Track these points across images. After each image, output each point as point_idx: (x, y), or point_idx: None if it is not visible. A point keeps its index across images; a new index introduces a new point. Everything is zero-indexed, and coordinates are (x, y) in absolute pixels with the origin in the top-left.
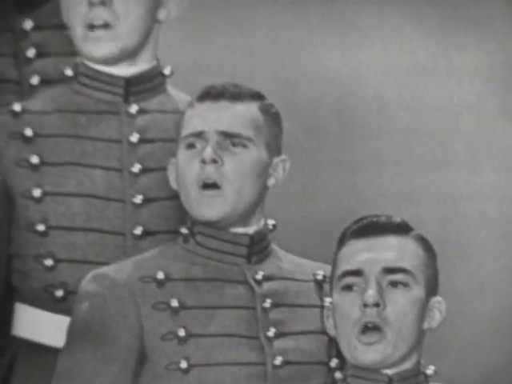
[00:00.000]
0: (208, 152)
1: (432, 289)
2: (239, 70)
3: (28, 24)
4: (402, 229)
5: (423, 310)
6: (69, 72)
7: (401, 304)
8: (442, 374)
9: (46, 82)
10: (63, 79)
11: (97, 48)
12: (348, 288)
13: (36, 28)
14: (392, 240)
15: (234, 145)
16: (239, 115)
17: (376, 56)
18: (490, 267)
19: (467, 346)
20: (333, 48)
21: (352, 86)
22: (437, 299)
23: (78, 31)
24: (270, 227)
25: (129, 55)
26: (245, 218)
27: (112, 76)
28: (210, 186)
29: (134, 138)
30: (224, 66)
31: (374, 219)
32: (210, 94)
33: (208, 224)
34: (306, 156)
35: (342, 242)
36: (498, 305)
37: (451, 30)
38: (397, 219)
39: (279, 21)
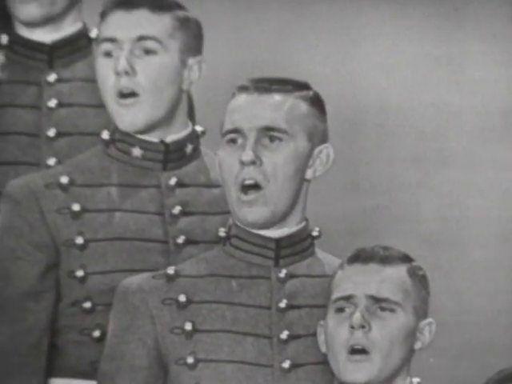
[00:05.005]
0: (357, 318)
1: None
2: (239, 69)
3: (173, 181)
4: None
5: None
6: (222, 233)
7: None
8: (443, 372)
9: (191, 242)
10: (208, 239)
11: (249, 213)
12: None
13: (181, 185)
14: None
15: (382, 309)
16: (388, 279)
17: (376, 56)
18: (489, 266)
19: (467, 345)
20: (333, 47)
21: (352, 85)
22: None
23: (232, 193)
24: None
25: (280, 219)
26: (390, 379)
27: (263, 238)
28: (358, 351)
29: (283, 304)
30: (224, 64)
31: None
32: (360, 257)
33: None
34: None
35: None
36: (497, 303)
37: (451, 29)
38: None
39: (279, 20)
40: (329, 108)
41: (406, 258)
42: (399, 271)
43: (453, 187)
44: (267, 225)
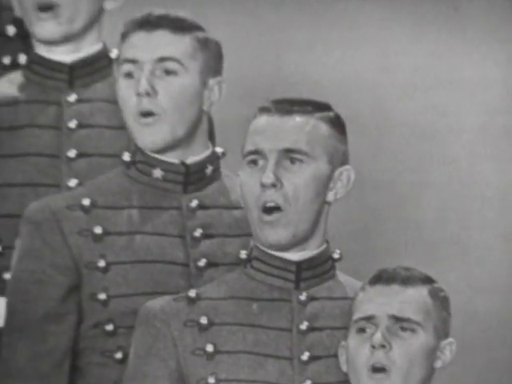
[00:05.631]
0: (377, 338)
1: None
2: (240, 69)
3: (194, 203)
4: None
5: None
6: (243, 255)
7: None
8: (443, 372)
9: (212, 264)
10: (229, 262)
11: (271, 234)
12: None
13: (202, 207)
14: None
15: (403, 329)
16: (409, 300)
17: (376, 56)
18: (489, 266)
19: (467, 345)
20: (333, 48)
21: (352, 86)
22: None
23: (254, 214)
24: None
25: (301, 241)
26: None
27: (284, 260)
28: (379, 370)
29: (304, 326)
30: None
31: None
32: (382, 278)
33: None
34: None
35: None
36: (497, 303)
37: (451, 29)
38: None
39: (279, 20)
40: None
41: (428, 280)
42: (421, 292)
43: (453, 188)
44: (288, 246)
